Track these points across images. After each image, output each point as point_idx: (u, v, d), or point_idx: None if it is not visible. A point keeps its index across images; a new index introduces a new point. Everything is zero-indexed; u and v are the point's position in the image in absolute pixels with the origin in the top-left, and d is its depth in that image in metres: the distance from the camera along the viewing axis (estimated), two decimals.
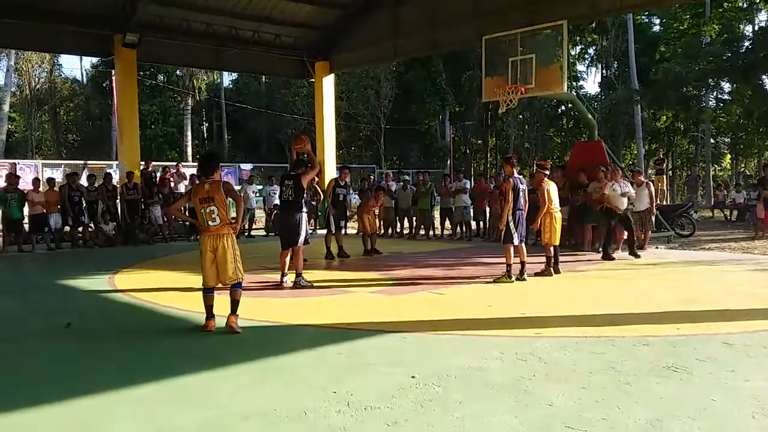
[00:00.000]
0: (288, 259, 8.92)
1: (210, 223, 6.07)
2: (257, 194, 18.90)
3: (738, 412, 3.92)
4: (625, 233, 12.35)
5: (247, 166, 28.26)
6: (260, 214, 19.35)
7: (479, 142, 41.83)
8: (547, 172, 10.02)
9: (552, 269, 9.76)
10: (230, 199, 6.26)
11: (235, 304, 6.11)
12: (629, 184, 12.09)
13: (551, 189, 9.74)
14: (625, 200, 11.77)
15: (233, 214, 6.46)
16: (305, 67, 20.33)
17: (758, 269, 10.26)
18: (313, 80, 20.89)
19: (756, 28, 28.93)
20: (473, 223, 16.61)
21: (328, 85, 20.39)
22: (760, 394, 4.22)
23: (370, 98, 36.00)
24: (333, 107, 20.87)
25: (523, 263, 9.25)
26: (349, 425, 3.79)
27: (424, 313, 7.08)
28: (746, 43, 26.44)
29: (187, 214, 8.03)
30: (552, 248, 9.74)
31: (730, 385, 4.44)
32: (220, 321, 6.15)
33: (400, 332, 6.09)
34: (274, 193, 18.80)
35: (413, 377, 4.64)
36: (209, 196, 6.06)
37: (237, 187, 20.27)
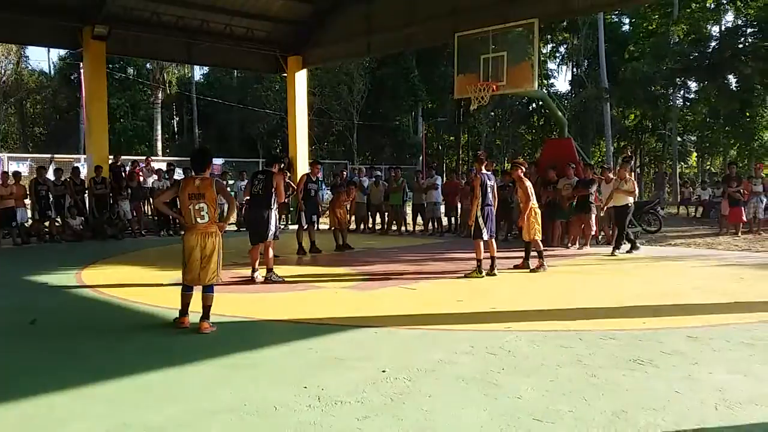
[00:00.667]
0: (258, 254, 8.89)
1: (198, 220, 5.90)
2: (228, 190, 18.72)
3: (701, 404, 4.01)
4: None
5: (218, 161, 27.92)
6: None
7: (452, 138, 42.04)
8: (524, 169, 10.11)
9: (528, 263, 9.90)
10: (221, 196, 6.14)
11: (206, 309, 5.96)
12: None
13: (529, 185, 9.85)
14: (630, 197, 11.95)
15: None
16: (278, 61, 20.21)
17: (722, 265, 10.49)
18: (286, 75, 20.78)
19: (722, 28, 29.50)
20: (445, 219, 16.71)
21: (300, 80, 20.29)
22: (722, 386, 4.32)
23: (343, 94, 35.91)
24: (305, 102, 20.78)
25: (493, 258, 9.33)
26: (320, 420, 3.79)
27: (395, 308, 7.11)
28: (713, 43, 26.93)
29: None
30: (531, 243, 9.84)
31: (694, 377, 4.54)
32: (192, 317, 6.09)
33: (371, 327, 6.11)
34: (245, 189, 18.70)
35: (384, 371, 4.65)
36: (199, 193, 5.88)
37: None
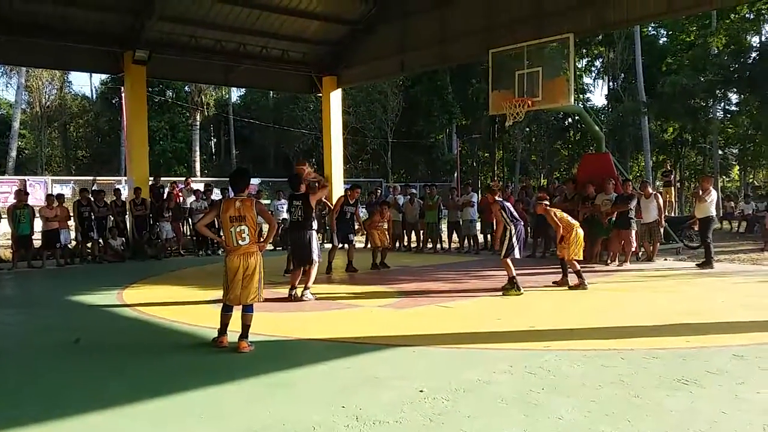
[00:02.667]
0: (299, 275, 8.97)
1: (240, 242, 5.93)
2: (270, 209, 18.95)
3: (749, 425, 3.89)
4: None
5: (255, 181, 28.35)
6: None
7: (486, 155, 41.86)
8: (547, 203, 10.42)
9: (566, 279, 9.82)
10: (261, 218, 6.20)
11: (245, 328, 6.01)
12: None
13: (556, 213, 9.92)
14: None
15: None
16: (313, 82, 20.45)
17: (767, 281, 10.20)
18: (321, 95, 21.01)
19: (763, 38, 28.94)
20: (480, 236, 16.60)
21: (335, 99, 20.49)
22: None
23: (377, 112, 36.15)
24: (340, 121, 20.96)
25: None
26: None
27: (432, 327, 7.07)
28: (753, 54, 26.41)
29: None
30: (570, 262, 9.74)
31: (741, 397, 4.41)
32: (231, 336, 6.15)
33: (409, 346, 6.08)
34: (282, 207, 18.89)
35: (422, 391, 4.62)
36: (240, 215, 5.93)
37: None
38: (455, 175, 37.43)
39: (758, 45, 28.03)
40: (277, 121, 39.57)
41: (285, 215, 18.94)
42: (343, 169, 21.13)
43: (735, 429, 3.85)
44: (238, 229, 5.93)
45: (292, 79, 20.91)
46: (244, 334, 6.00)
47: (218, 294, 6.27)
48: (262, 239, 6.28)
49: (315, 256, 8.91)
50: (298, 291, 8.89)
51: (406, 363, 5.56)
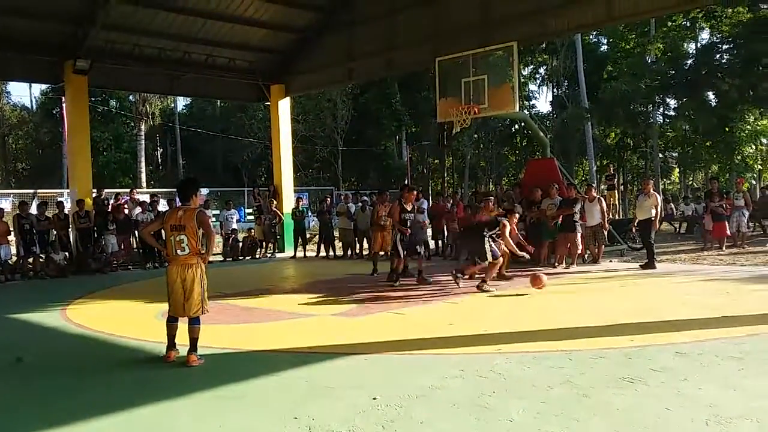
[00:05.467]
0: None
1: (179, 252, 5.83)
2: (214, 219, 18.68)
3: (692, 421, 4.01)
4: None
5: (203, 191, 27.96)
6: (217, 239, 19.09)
7: (436, 161, 42.25)
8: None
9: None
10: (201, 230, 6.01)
11: (192, 342, 5.89)
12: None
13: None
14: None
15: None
16: (261, 90, 20.28)
17: (708, 279, 10.57)
18: (269, 104, 20.87)
19: (698, 45, 30.07)
20: (432, 242, 16.71)
21: (284, 108, 20.37)
22: (713, 401, 4.33)
23: (327, 120, 36.10)
24: (289, 130, 20.85)
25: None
26: None
27: (385, 334, 7.08)
28: (689, 60, 27.40)
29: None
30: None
31: (684, 394, 4.55)
32: (183, 350, 6.02)
33: (362, 354, 6.07)
34: (231, 218, 18.68)
35: (375, 399, 4.62)
36: (180, 224, 5.81)
37: None
38: (405, 181, 37.63)
39: (694, 51, 29.12)
40: (224, 131, 39.11)
41: (235, 226, 18.78)
42: (293, 178, 21.01)
43: (679, 425, 3.97)
44: (177, 239, 5.82)
45: (240, 88, 20.71)
46: (192, 348, 5.89)
47: (166, 307, 6.14)
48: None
49: (490, 256, 9.79)
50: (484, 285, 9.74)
51: (359, 371, 5.55)
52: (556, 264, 12.99)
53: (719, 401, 4.33)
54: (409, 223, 10.96)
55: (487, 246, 9.82)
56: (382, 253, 12.96)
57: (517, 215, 10.97)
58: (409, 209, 10.94)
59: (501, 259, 10.21)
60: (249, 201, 27.29)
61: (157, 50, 17.45)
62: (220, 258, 17.99)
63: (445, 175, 41.80)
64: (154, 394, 5.02)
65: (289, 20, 18.25)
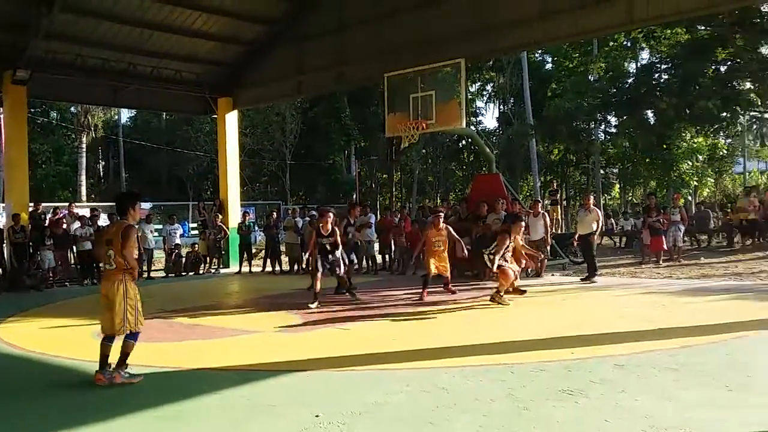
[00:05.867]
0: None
1: (107, 266, 5.74)
2: (156, 234, 18.25)
3: (629, 431, 4.10)
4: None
5: (146, 205, 27.32)
6: (160, 255, 18.67)
7: (385, 176, 42.43)
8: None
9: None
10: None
11: (122, 356, 5.70)
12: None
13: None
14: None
15: None
16: (208, 103, 20.03)
17: (645, 292, 10.87)
18: (216, 116, 20.61)
19: (638, 65, 31.11)
20: (379, 257, 16.73)
21: (231, 121, 20.15)
22: (649, 412, 4.43)
23: (275, 134, 35.84)
24: (237, 143, 20.62)
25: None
26: None
27: (329, 350, 7.02)
28: (630, 80, 28.32)
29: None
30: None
31: (622, 405, 4.64)
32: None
33: (305, 370, 6.01)
34: (175, 233, 18.28)
35: (317, 416, 4.57)
36: (110, 239, 5.74)
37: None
38: (354, 196, 37.65)
39: (634, 71, 30.12)
40: (170, 143, 38.39)
41: (178, 240, 18.38)
42: (239, 192, 20.76)
43: None
44: (108, 253, 5.71)
45: (186, 100, 20.40)
46: (119, 362, 5.70)
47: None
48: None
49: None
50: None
51: (302, 388, 5.48)
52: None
53: (655, 412, 4.44)
54: (328, 247, 10.35)
55: (487, 261, 9.83)
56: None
57: (522, 224, 10.82)
58: (325, 234, 10.33)
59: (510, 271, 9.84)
60: (194, 215, 26.83)
61: (101, 61, 17.05)
62: (162, 274, 17.59)
63: (394, 189, 42.04)
64: (91, 416, 4.83)
65: (238, 33, 18.11)
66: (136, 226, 6.06)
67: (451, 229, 11.02)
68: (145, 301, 6.20)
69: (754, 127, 41.90)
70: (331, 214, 10.64)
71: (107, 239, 5.79)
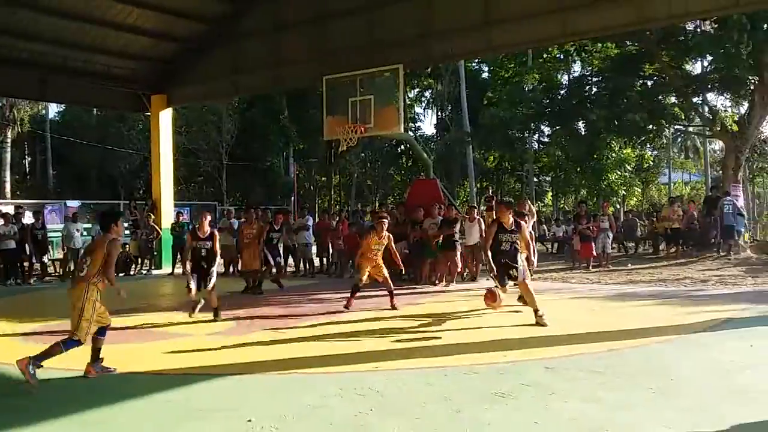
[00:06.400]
0: None
1: (78, 272, 6.13)
2: (85, 233, 17.62)
3: None
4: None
5: (74, 203, 26.31)
6: None
7: (323, 178, 42.29)
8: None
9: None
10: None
11: (93, 351, 6.03)
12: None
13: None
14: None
15: None
16: (141, 100, 19.48)
17: (575, 297, 11.21)
18: (150, 114, 20.08)
19: (571, 77, 32.04)
20: (317, 260, 16.65)
21: (165, 119, 19.64)
22: (576, 415, 4.57)
23: (211, 133, 35.17)
24: (171, 142, 20.12)
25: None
26: None
27: (263, 354, 6.93)
28: (562, 91, 29.12)
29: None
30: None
31: (551, 407, 4.77)
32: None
33: (238, 374, 5.92)
34: (76, 232, 17.56)
35: (249, 421, 4.51)
36: (93, 249, 6.17)
37: (59, 226, 18.85)
38: (292, 198, 37.36)
39: (567, 83, 31.02)
40: (101, 140, 37.12)
41: (79, 243, 17.53)
42: (173, 192, 20.27)
43: None
44: (86, 262, 6.03)
45: (118, 96, 19.77)
46: (92, 358, 5.98)
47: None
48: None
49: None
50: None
51: (234, 392, 5.40)
52: (437, 282, 13.30)
53: (582, 414, 4.58)
54: (203, 252, 9.65)
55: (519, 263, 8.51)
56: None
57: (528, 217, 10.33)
58: (202, 237, 9.65)
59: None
60: (125, 215, 26.03)
61: (27, 53, 16.35)
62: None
63: (332, 192, 41.95)
64: (14, 422, 4.63)
65: (173, 29, 17.68)
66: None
67: (392, 238, 10.37)
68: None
69: (679, 140, 43.91)
70: (208, 215, 10.01)
71: (90, 249, 6.25)
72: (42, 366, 5.58)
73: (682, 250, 18.38)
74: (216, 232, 9.85)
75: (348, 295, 10.09)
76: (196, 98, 21.65)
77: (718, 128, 20.58)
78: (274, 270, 12.87)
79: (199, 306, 9.31)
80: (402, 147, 39.54)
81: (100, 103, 23.66)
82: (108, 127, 37.70)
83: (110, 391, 5.54)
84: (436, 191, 14.70)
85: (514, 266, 8.44)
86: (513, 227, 8.50)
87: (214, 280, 9.30)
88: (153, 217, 18.17)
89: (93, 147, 36.65)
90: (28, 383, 5.43)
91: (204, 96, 20.90)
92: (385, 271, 10.25)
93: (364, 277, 10.11)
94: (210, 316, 9.30)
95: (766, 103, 18.73)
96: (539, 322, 8.24)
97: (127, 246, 18.20)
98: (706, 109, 21.82)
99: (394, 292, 10.46)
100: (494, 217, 9.12)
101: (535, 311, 8.39)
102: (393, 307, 9.94)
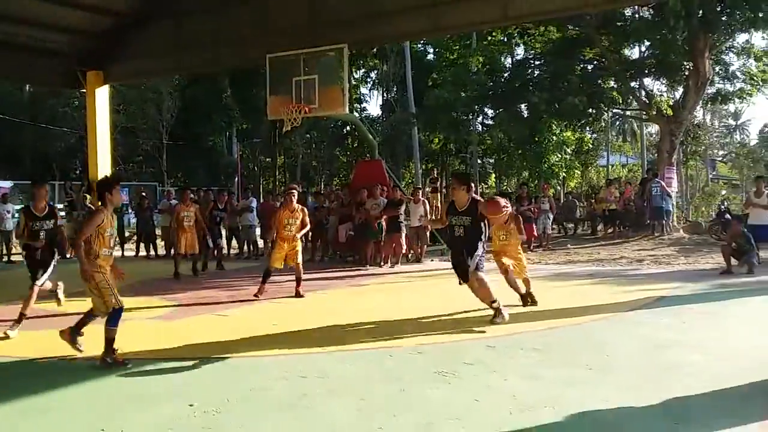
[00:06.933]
0: None
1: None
2: (16, 215, 16.92)
3: (498, 411, 4.30)
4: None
5: (6, 184, 25.27)
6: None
7: (268, 159, 41.76)
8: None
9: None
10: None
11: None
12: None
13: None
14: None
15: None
16: (76, 76, 18.72)
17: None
18: (85, 91, 19.33)
19: (514, 60, 32.45)
20: (261, 242, 16.49)
21: (101, 96, 18.93)
22: (516, 392, 4.67)
23: (151, 112, 34.21)
24: (108, 121, 19.44)
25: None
26: None
27: (205, 337, 6.82)
28: (506, 74, 29.47)
29: None
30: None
31: (492, 385, 4.87)
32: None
33: (180, 359, 5.82)
34: (7, 214, 17.03)
35: (191, 405, 4.44)
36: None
37: None
38: (236, 179, 36.80)
39: (510, 66, 31.40)
40: (34, 118, 35.64)
41: (10, 225, 16.87)
42: (111, 172, 19.64)
43: (486, 414, 4.25)
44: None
45: (51, 72, 18.91)
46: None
47: None
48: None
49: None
50: None
51: (176, 377, 5.31)
52: (381, 263, 13.37)
53: (522, 391, 4.68)
54: (42, 234, 8.14)
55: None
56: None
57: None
58: (40, 215, 8.05)
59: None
60: (60, 196, 25.11)
61: None
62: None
63: (277, 173, 41.46)
64: None
65: (109, 3, 17.00)
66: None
67: (306, 211, 9.69)
68: (6, 287, 5.79)
69: (617, 123, 45.14)
70: (47, 187, 8.44)
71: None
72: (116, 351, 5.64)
73: (618, 230, 18.98)
74: (56, 209, 8.47)
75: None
76: (135, 76, 20.96)
77: (654, 112, 21.24)
78: (216, 252, 12.70)
79: (59, 290, 8.16)
80: (348, 128, 39.38)
81: (32, 79, 22.70)
82: (41, 104, 36.22)
83: (46, 379, 5.36)
84: (381, 172, 14.72)
85: (462, 259, 6.97)
86: (466, 208, 7.02)
87: (47, 275, 7.66)
88: (89, 197, 17.60)
89: (25, 125, 35.19)
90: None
91: (143, 73, 20.28)
92: (300, 257, 9.51)
93: (278, 263, 9.41)
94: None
95: (700, 88, 19.40)
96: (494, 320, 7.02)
97: (63, 228, 17.61)
98: (643, 93, 22.44)
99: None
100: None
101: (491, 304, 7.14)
102: (298, 294, 9.34)
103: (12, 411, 4.49)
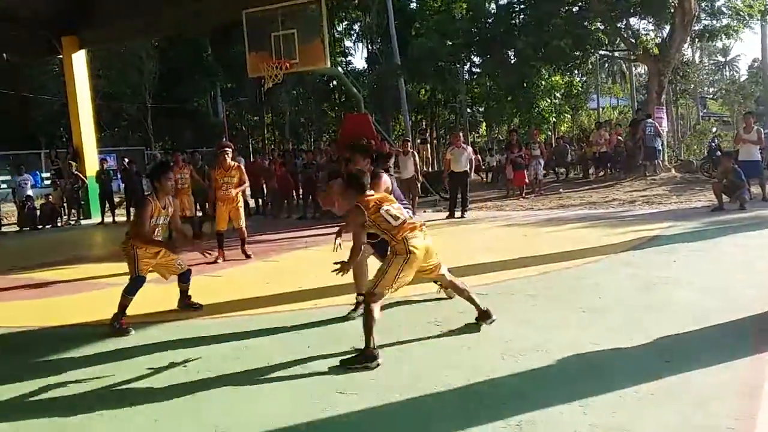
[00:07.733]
0: None
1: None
2: (5, 186, 16.81)
3: (490, 356, 4.33)
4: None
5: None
6: (11, 208, 17.27)
7: (255, 118, 41.35)
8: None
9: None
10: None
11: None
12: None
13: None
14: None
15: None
16: (51, 43, 18.31)
17: (508, 224, 11.44)
18: (62, 57, 18.95)
19: (497, 5, 31.86)
20: (252, 201, 16.42)
21: (79, 62, 18.59)
22: (509, 337, 4.68)
23: (132, 76, 33.64)
24: (88, 86, 19.11)
25: None
26: (113, 428, 3.54)
27: (200, 298, 6.78)
28: (490, 20, 28.96)
29: None
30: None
31: (484, 331, 4.88)
32: None
33: (173, 321, 5.82)
34: (25, 184, 16.96)
35: (185, 366, 4.45)
36: None
37: None
38: (224, 140, 36.44)
39: (494, 11, 30.83)
40: (14, 87, 35.00)
41: (30, 192, 17.03)
42: (95, 138, 19.41)
43: (478, 359, 4.27)
44: None
45: (25, 40, 18.52)
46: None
47: None
48: None
49: None
50: None
51: (171, 338, 5.30)
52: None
53: (514, 336, 4.70)
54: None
55: None
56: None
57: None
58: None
59: None
60: (46, 164, 24.87)
61: None
62: (15, 228, 16.32)
63: (265, 132, 41.11)
64: None
65: None
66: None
67: (242, 169, 9.42)
68: None
69: (606, 65, 44.66)
70: None
71: None
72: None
73: (610, 172, 18.96)
74: None
75: (293, 231, 9.87)
76: (111, 39, 20.57)
77: (641, 52, 20.96)
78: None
79: None
80: (334, 82, 38.89)
81: (8, 48, 22.16)
82: (22, 73, 35.55)
83: (47, 346, 5.35)
84: (368, 126, 14.56)
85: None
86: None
87: None
88: (75, 165, 17.43)
89: (5, 94, 34.59)
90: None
91: (119, 37, 19.92)
92: (243, 221, 9.41)
93: (223, 225, 9.35)
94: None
95: (686, 25, 19.11)
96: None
97: (50, 196, 17.52)
98: (630, 33, 22.12)
99: (333, 230, 10.36)
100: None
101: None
102: (245, 254, 9.28)
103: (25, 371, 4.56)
